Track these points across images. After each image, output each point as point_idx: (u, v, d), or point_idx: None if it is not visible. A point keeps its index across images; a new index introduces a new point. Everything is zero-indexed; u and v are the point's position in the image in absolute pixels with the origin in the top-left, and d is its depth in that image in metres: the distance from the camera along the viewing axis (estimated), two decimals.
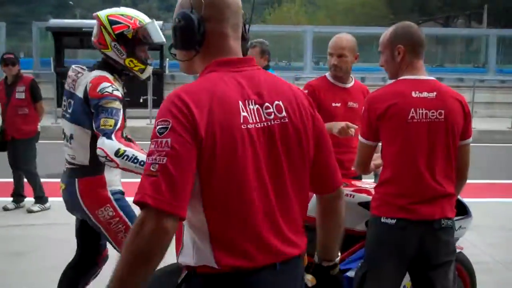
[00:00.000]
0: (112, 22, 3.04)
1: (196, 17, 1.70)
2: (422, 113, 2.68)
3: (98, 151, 2.80)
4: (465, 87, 15.04)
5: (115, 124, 2.85)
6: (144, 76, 3.20)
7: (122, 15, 3.08)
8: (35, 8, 53.13)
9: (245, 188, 1.64)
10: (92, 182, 3.08)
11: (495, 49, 16.79)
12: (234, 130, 1.62)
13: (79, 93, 3.01)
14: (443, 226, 2.71)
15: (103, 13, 3.09)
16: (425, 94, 2.70)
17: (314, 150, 1.82)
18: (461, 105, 2.75)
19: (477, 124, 13.20)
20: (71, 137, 3.07)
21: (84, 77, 3.04)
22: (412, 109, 2.67)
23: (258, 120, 1.67)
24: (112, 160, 2.80)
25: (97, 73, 3.02)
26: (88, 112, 2.96)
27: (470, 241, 5.53)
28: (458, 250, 3.48)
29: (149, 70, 3.20)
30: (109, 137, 2.80)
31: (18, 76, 6.63)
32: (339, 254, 2.16)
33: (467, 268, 3.59)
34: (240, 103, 1.66)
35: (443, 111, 2.69)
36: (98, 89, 2.91)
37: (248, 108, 1.67)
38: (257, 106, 1.69)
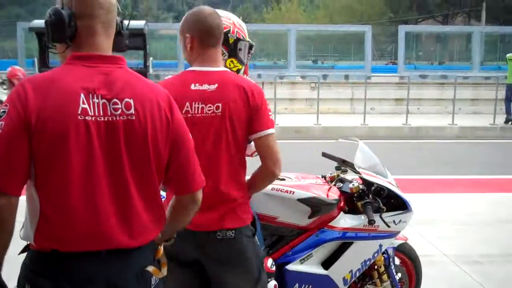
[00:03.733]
0: None
1: (67, 13, 1.82)
2: (198, 107, 2.41)
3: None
4: (449, 84, 15.11)
5: None
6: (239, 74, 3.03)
7: (221, 17, 2.87)
8: (31, 8, 53.30)
9: (69, 175, 1.73)
10: None
11: (479, 46, 16.83)
12: (68, 119, 1.72)
13: None
14: (219, 237, 2.45)
15: None
16: (205, 87, 2.43)
17: (169, 152, 1.90)
18: (245, 95, 2.42)
19: (460, 121, 13.31)
20: None
21: None
22: (187, 103, 2.40)
23: (101, 114, 1.77)
24: None
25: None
26: None
27: (420, 234, 5.61)
28: (401, 241, 3.66)
29: (242, 70, 3.01)
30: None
31: None
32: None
33: (411, 258, 3.72)
34: (82, 95, 1.75)
35: (220, 105, 2.41)
36: None
37: (91, 101, 1.76)
38: (103, 100, 1.78)
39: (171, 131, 1.89)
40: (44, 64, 14.01)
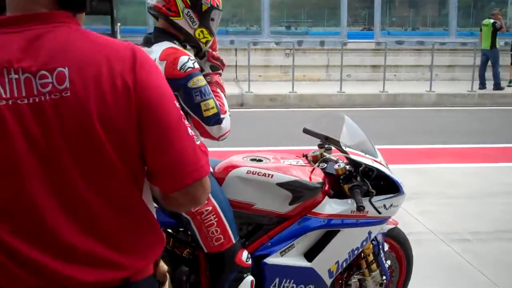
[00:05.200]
0: None
1: None
2: None
3: (224, 137, 2.58)
4: (426, 50, 14.79)
5: (215, 103, 2.52)
6: (207, 47, 2.77)
7: None
8: None
9: None
10: None
11: (455, 11, 16.48)
12: None
13: None
14: None
15: None
16: None
17: (137, 132, 1.35)
18: None
19: (437, 88, 13.04)
20: None
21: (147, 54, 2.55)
22: None
23: (22, 95, 1.27)
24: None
25: (162, 45, 2.55)
26: None
27: (403, 208, 5.30)
28: (391, 226, 3.28)
29: (211, 42, 2.79)
30: (220, 120, 2.53)
31: None
32: None
33: (401, 243, 3.38)
34: None
35: None
36: (179, 66, 2.45)
37: (6, 79, 1.27)
38: (26, 75, 1.28)
39: (136, 101, 1.33)
40: None
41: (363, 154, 3.03)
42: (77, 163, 1.30)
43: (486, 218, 5.20)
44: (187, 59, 2.49)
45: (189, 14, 2.63)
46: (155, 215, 1.48)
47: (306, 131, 3.29)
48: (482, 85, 13.51)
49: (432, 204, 5.58)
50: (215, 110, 2.52)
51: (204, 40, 2.72)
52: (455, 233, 4.84)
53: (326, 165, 3.11)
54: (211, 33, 2.73)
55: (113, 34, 13.48)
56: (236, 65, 14.38)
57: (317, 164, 3.09)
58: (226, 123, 2.57)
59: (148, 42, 2.66)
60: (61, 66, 1.29)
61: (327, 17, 20.54)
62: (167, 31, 2.66)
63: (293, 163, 3.00)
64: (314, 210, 2.92)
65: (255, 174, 2.81)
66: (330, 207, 2.94)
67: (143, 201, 1.42)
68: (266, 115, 11.23)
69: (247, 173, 2.80)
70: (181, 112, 1.43)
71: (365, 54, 15.16)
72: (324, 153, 3.21)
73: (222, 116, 2.55)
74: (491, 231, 4.90)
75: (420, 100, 12.69)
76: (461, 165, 7.19)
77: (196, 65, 2.52)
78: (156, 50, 2.54)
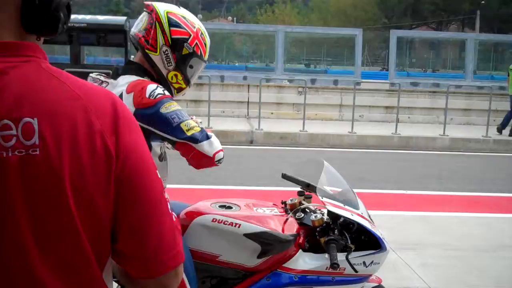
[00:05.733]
0: (171, 23, 2.43)
1: None
2: None
3: (219, 156, 2.36)
4: (441, 93, 14.57)
5: (196, 123, 2.35)
6: (178, 95, 2.58)
7: (184, 18, 2.48)
8: None
9: None
10: None
11: (473, 54, 16.30)
12: None
13: None
14: None
15: (161, 7, 2.46)
16: None
17: (113, 206, 1.14)
18: None
19: (452, 132, 12.77)
20: None
21: (112, 87, 2.37)
22: None
23: None
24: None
25: (129, 78, 2.36)
26: None
27: (403, 261, 5.02)
28: (374, 284, 3.00)
29: (185, 92, 2.60)
30: (208, 136, 2.33)
31: None
32: None
33: None
34: None
35: None
36: (147, 94, 2.26)
37: None
38: None
39: (116, 171, 1.12)
40: None
41: (342, 205, 2.79)
42: (36, 235, 1.07)
43: (491, 274, 4.89)
44: (156, 87, 2.31)
45: (166, 52, 2.44)
46: None
47: (285, 176, 3.08)
48: (502, 127, 13.14)
49: (434, 256, 5.27)
50: (198, 129, 2.32)
51: (176, 86, 2.52)
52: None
53: (303, 215, 2.86)
54: (186, 80, 2.53)
55: None
56: (248, 102, 14.28)
57: (291, 213, 2.85)
58: (216, 140, 2.36)
59: (117, 74, 2.46)
60: (29, 115, 1.05)
61: (347, 56, 20.49)
62: (141, 66, 2.47)
63: (267, 212, 2.77)
64: (286, 265, 2.68)
65: (221, 222, 2.59)
66: (304, 262, 2.70)
67: (104, 283, 1.19)
68: (275, 154, 11.02)
69: (212, 221, 2.59)
70: (162, 184, 1.23)
71: (380, 95, 14.99)
72: (303, 202, 2.96)
73: (210, 134, 2.36)
74: None
75: (433, 143, 12.42)
76: (470, 215, 6.85)
77: (167, 93, 2.33)
78: (122, 84, 2.36)
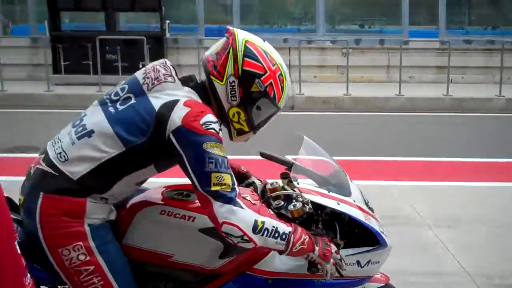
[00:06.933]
0: (247, 53, 2.13)
1: None
2: None
3: (228, 229, 1.93)
4: (496, 50, 13.51)
5: (233, 182, 1.98)
6: (238, 140, 2.26)
7: (264, 52, 2.16)
8: None
9: None
10: (65, 203, 2.03)
11: None
12: None
13: (155, 102, 2.06)
14: None
15: (241, 34, 2.19)
16: None
17: None
18: None
19: (508, 92, 11.84)
20: (89, 133, 2.07)
21: (173, 88, 2.12)
22: None
23: None
24: (250, 240, 1.95)
25: (191, 94, 2.12)
26: (152, 135, 2.02)
27: (437, 238, 4.41)
28: (379, 284, 2.44)
29: (248, 137, 2.26)
30: (234, 203, 1.94)
31: None
32: None
33: None
34: None
35: None
36: (202, 121, 1.99)
37: None
38: None
39: None
40: (55, 27, 13.13)
41: (325, 192, 2.25)
42: None
43: None
44: (215, 121, 2.03)
45: (233, 84, 2.10)
46: None
47: (264, 155, 2.52)
48: None
49: (479, 235, 4.59)
50: (228, 188, 1.92)
51: (237, 126, 2.17)
52: (502, 277, 3.87)
53: (282, 203, 2.28)
54: (250, 123, 2.16)
55: (161, 31, 13.07)
56: (289, 65, 13.63)
57: (263, 201, 2.28)
58: (244, 216, 1.93)
59: (185, 83, 2.17)
60: None
61: (393, 15, 19.50)
62: (206, 90, 2.16)
63: None
64: (257, 266, 2.20)
65: (171, 215, 2.11)
66: (281, 262, 2.19)
67: None
68: (317, 119, 10.43)
69: (160, 213, 2.11)
70: None
71: (431, 54, 14.06)
72: (287, 187, 2.37)
73: (239, 202, 1.93)
74: None
75: (488, 105, 11.54)
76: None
77: (221, 135, 2.04)
78: (184, 94, 2.10)
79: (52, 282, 2.14)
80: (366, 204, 2.35)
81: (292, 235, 2.01)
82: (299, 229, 2.06)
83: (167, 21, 13.31)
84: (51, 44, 12.67)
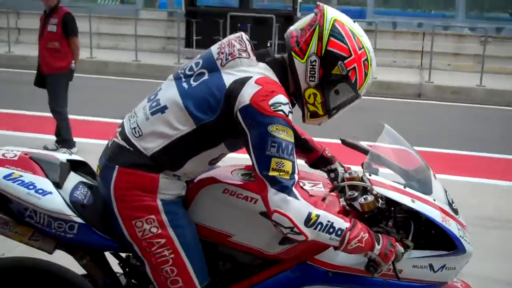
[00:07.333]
0: (334, 32, 2.04)
1: None
2: None
3: (278, 218, 1.87)
4: None
5: (293, 170, 1.90)
6: (311, 122, 2.18)
7: (353, 33, 2.06)
8: None
9: None
10: (139, 178, 2.06)
11: None
12: None
13: (226, 78, 2.03)
14: None
15: (331, 12, 2.09)
16: None
17: None
18: None
19: None
20: (163, 109, 2.08)
21: (247, 64, 2.06)
22: None
23: None
24: (301, 232, 1.89)
25: (266, 71, 2.05)
26: (222, 113, 1.99)
27: None
28: None
29: (322, 121, 2.17)
30: (289, 192, 1.87)
31: (54, 8, 6.15)
32: None
33: None
34: None
35: None
36: (271, 101, 1.93)
37: None
38: None
39: None
40: (191, 2, 13.51)
41: (401, 187, 2.08)
42: None
43: None
44: (285, 102, 1.94)
45: (313, 63, 2.02)
46: None
47: (345, 142, 2.40)
48: None
49: None
50: (286, 176, 1.85)
51: (311, 108, 2.08)
52: None
53: (356, 194, 2.15)
54: (325, 107, 2.07)
55: (293, 10, 13.05)
56: (422, 51, 13.07)
57: (330, 191, 2.15)
58: (297, 207, 1.85)
59: (261, 58, 2.10)
60: None
61: None
62: (285, 66, 2.09)
63: (306, 187, 2.13)
64: (318, 257, 2.09)
65: (233, 195, 2.07)
66: (344, 254, 2.04)
67: None
68: (445, 110, 9.94)
69: (223, 192, 2.07)
70: None
71: None
72: (365, 177, 2.20)
73: (295, 193, 1.86)
74: None
75: None
76: None
77: (291, 116, 1.95)
78: (258, 70, 2.04)
79: (116, 249, 2.21)
80: (450, 204, 2.16)
81: (349, 232, 1.90)
82: (359, 225, 1.94)
83: (299, 0, 13.24)
84: (185, 19, 13.12)
